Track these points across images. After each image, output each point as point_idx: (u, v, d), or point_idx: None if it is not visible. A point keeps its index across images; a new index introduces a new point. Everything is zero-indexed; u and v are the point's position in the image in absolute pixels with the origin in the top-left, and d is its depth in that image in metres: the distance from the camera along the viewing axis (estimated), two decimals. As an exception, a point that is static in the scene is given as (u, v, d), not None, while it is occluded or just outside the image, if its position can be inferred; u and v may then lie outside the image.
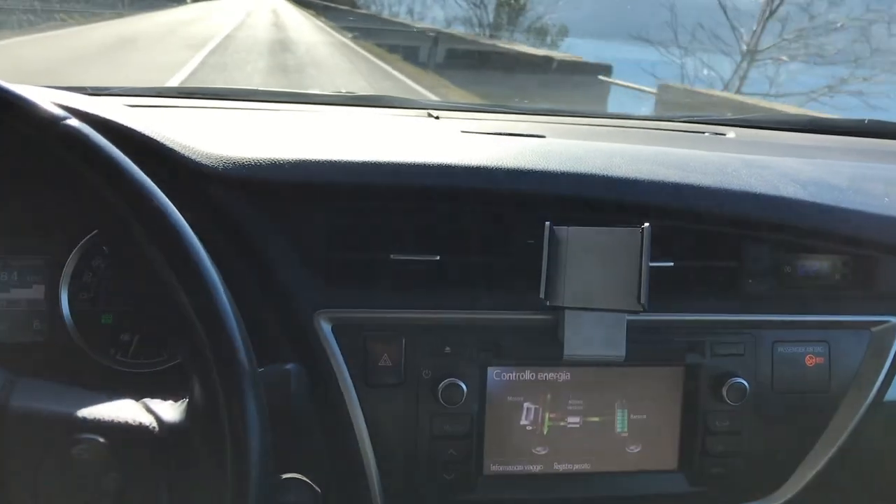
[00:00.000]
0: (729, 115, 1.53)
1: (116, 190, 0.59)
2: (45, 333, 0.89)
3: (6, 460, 0.61)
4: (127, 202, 0.59)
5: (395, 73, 10.05)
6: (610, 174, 0.88)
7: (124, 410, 0.63)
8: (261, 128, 1.05)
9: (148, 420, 0.62)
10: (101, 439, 0.61)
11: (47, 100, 0.62)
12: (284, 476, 0.75)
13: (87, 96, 0.88)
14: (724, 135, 1.37)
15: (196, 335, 0.59)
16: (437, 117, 1.30)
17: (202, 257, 0.60)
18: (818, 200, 0.91)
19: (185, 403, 0.62)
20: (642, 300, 0.80)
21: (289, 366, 0.69)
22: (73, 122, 0.61)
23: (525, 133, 1.09)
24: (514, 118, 1.42)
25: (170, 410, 0.63)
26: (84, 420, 0.62)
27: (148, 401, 0.64)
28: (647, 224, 0.80)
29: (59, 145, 0.60)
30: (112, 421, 0.62)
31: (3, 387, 0.62)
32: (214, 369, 0.59)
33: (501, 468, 0.87)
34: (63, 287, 0.89)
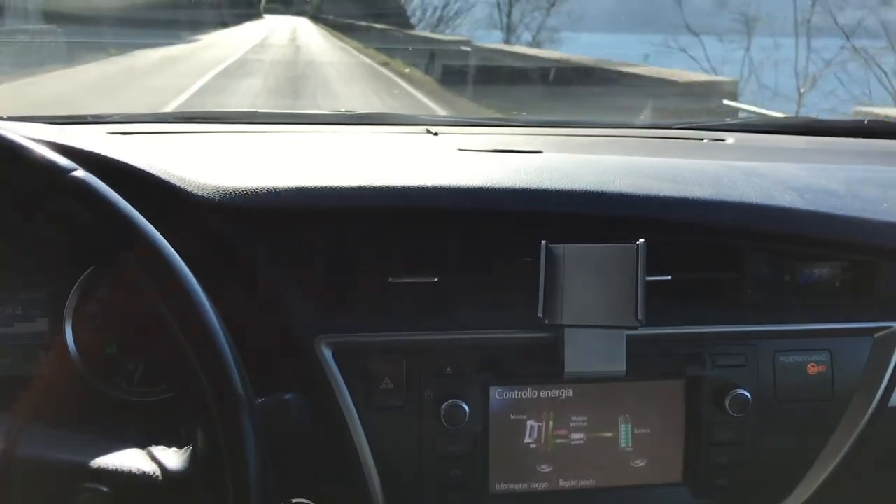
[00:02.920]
0: (728, 121, 1.53)
1: (118, 239, 0.61)
2: (50, 366, 0.90)
3: None
4: (128, 249, 0.61)
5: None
6: (605, 190, 0.88)
7: (128, 459, 0.63)
8: (257, 152, 1.06)
9: (151, 468, 0.63)
10: (105, 489, 0.62)
11: (52, 149, 0.64)
12: (292, 501, 0.76)
13: (72, 128, 0.89)
14: (723, 140, 1.37)
15: (194, 372, 0.60)
16: (435, 133, 1.31)
17: (199, 295, 0.61)
18: (815, 208, 0.91)
19: (188, 451, 0.62)
20: (639, 316, 0.80)
21: (288, 395, 0.69)
22: (80, 173, 0.63)
23: (522, 149, 1.09)
24: (512, 131, 1.43)
25: (173, 458, 0.63)
26: (88, 469, 0.62)
27: (152, 448, 0.64)
28: (641, 240, 0.81)
29: (65, 197, 0.61)
30: (116, 470, 0.63)
31: (9, 435, 0.63)
32: (213, 404, 0.59)
33: (507, 487, 0.87)
34: (67, 319, 0.90)
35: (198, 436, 0.61)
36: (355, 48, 16.71)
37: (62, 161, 0.62)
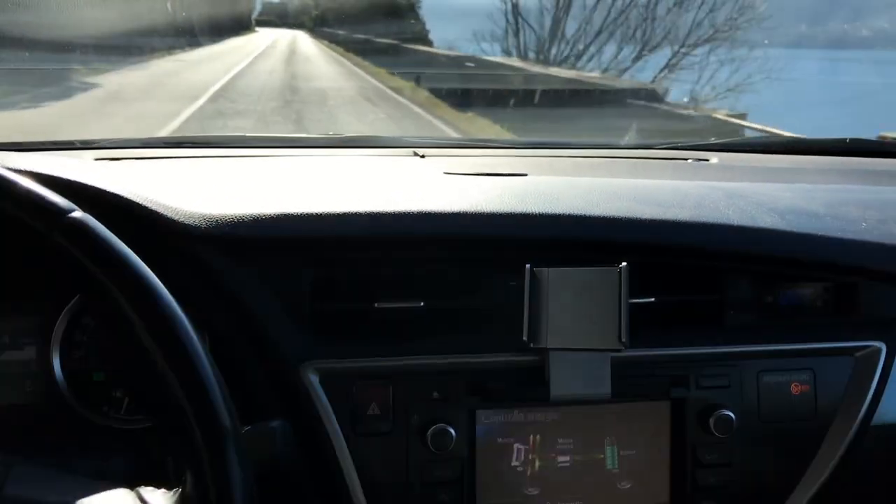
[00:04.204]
0: (712, 140, 1.54)
1: (109, 277, 0.62)
2: (37, 394, 0.90)
3: None
4: (118, 287, 0.62)
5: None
6: (588, 214, 0.89)
7: (116, 501, 0.63)
8: (244, 178, 1.07)
9: None
10: None
11: (46, 184, 0.64)
12: None
13: (61, 159, 0.90)
14: (707, 161, 1.38)
15: (177, 399, 0.60)
16: (422, 156, 1.32)
17: (185, 328, 0.62)
18: (796, 229, 0.92)
19: (178, 493, 0.63)
20: (623, 339, 0.81)
21: (274, 423, 0.70)
22: (78, 214, 0.63)
23: (507, 172, 1.10)
24: (498, 153, 1.44)
25: (161, 501, 0.63)
26: None
27: (142, 490, 0.64)
28: (624, 263, 0.82)
29: (63, 237, 0.62)
30: None
31: None
32: (197, 434, 0.60)
33: (494, 510, 0.88)
34: (54, 347, 0.90)
35: (183, 467, 0.61)
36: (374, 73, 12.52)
37: (61, 202, 0.63)
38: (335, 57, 16.62)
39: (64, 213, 0.63)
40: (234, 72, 12.48)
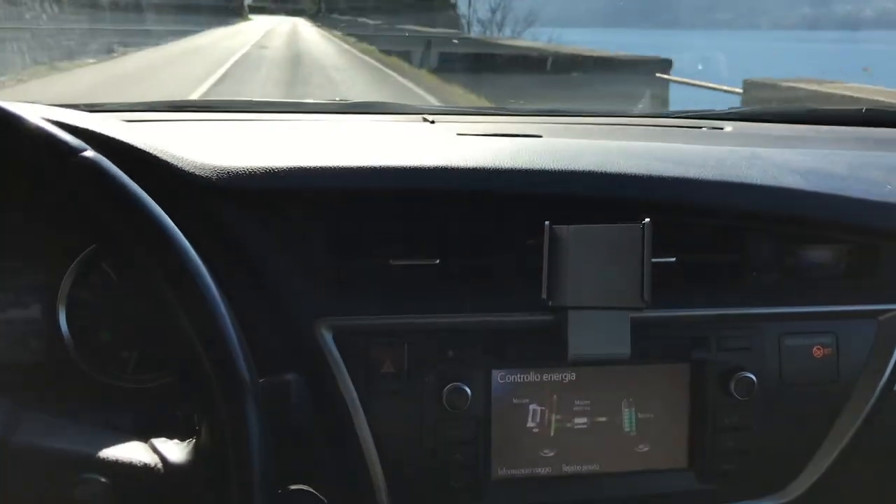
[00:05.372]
0: (727, 109, 1.52)
1: (126, 221, 0.60)
2: (43, 353, 0.88)
3: (6, 498, 0.61)
4: (135, 231, 0.60)
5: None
6: (607, 170, 0.87)
7: (129, 451, 0.62)
8: (256, 138, 1.05)
9: (153, 461, 0.61)
10: (104, 479, 0.60)
11: (61, 129, 0.63)
12: (291, 487, 0.74)
13: (84, 113, 0.88)
14: (721, 129, 1.36)
15: (196, 351, 0.59)
16: (432, 122, 1.30)
17: (204, 278, 0.60)
18: (819, 190, 0.90)
19: (191, 444, 0.61)
20: (645, 297, 0.79)
21: (289, 376, 0.68)
22: (90, 153, 0.62)
23: (521, 133, 1.08)
24: (510, 119, 1.42)
25: (175, 451, 0.62)
26: (88, 459, 0.61)
27: (154, 440, 0.63)
28: (647, 219, 0.80)
29: (75, 177, 0.60)
30: (116, 461, 0.61)
31: (5, 422, 0.62)
32: (216, 388, 0.58)
33: (509, 472, 0.86)
34: (60, 305, 0.88)
35: (198, 423, 0.60)
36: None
37: (73, 141, 0.61)
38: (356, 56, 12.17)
39: (76, 150, 0.61)
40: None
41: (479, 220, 0.88)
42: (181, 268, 0.60)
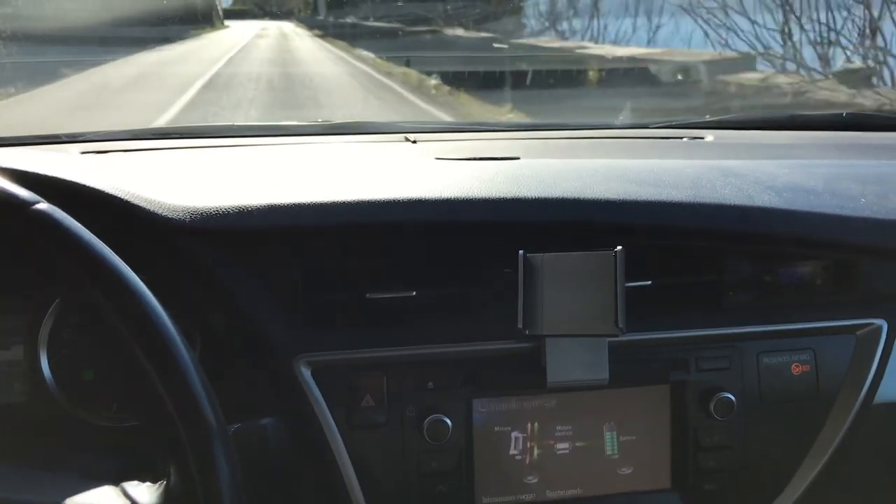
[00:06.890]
0: (707, 118, 1.52)
1: (80, 269, 0.60)
2: (26, 394, 0.88)
3: None
4: (90, 280, 0.60)
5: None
6: (582, 197, 0.87)
7: (101, 498, 0.62)
8: (232, 168, 1.05)
9: None
10: None
11: (14, 178, 0.63)
12: None
13: (42, 152, 0.88)
14: (702, 138, 1.36)
15: (161, 399, 0.59)
16: (413, 141, 1.30)
17: (164, 322, 0.60)
18: (793, 207, 0.90)
19: (162, 486, 0.61)
20: (620, 323, 0.80)
21: (264, 421, 0.68)
22: (42, 206, 0.62)
23: (500, 156, 1.08)
24: (490, 136, 1.42)
25: (146, 494, 0.62)
26: None
27: (126, 485, 0.63)
28: (619, 247, 0.80)
29: (29, 230, 0.61)
30: None
31: None
32: (182, 432, 0.58)
33: (493, 500, 0.86)
34: (42, 346, 0.89)
35: (169, 466, 0.60)
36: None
37: (23, 193, 0.61)
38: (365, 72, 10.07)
39: (27, 204, 0.61)
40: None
41: (455, 250, 0.88)
42: (140, 313, 0.61)
